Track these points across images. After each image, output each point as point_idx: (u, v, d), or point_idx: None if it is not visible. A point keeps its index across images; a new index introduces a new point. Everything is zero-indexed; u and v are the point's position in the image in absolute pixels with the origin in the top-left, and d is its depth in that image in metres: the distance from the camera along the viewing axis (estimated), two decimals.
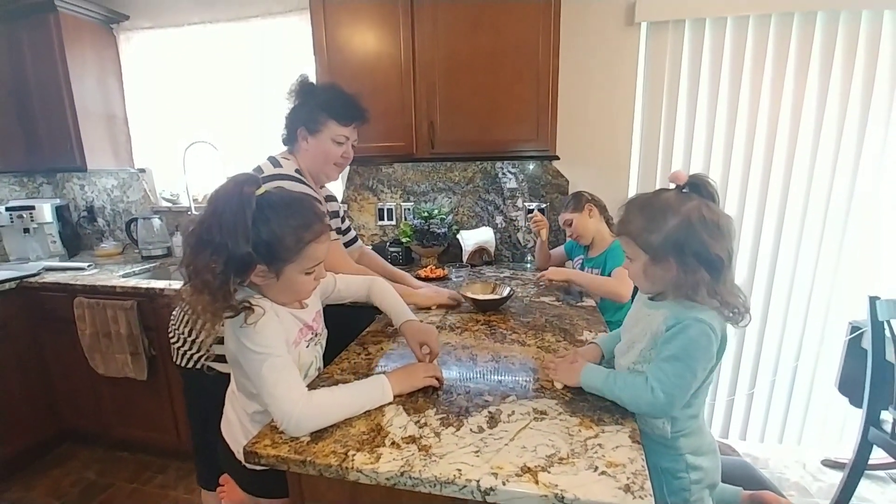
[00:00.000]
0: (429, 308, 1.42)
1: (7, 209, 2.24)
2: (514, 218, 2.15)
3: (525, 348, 1.11)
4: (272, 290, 0.85)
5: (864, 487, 1.76)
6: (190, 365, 1.19)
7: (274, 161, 1.21)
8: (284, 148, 1.29)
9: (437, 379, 0.92)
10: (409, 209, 2.21)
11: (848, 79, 1.74)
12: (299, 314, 0.92)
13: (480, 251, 2.08)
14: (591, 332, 1.22)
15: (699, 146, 1.90)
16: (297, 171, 1.20)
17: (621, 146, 1.98)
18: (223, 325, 0.80)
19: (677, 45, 1.84)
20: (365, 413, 0.82)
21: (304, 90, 1.23)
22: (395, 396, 0.86)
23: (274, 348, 0.79)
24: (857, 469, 1.68)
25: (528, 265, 2.07)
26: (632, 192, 2.02)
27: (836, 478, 1.85)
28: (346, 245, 1.52)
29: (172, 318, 1.23)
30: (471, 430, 0.77)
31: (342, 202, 2.30)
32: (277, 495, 0.89)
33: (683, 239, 0.76)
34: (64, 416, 2.18)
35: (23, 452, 2.06)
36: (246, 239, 0.75)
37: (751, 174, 1.88)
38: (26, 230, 2.29)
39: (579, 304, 1.48)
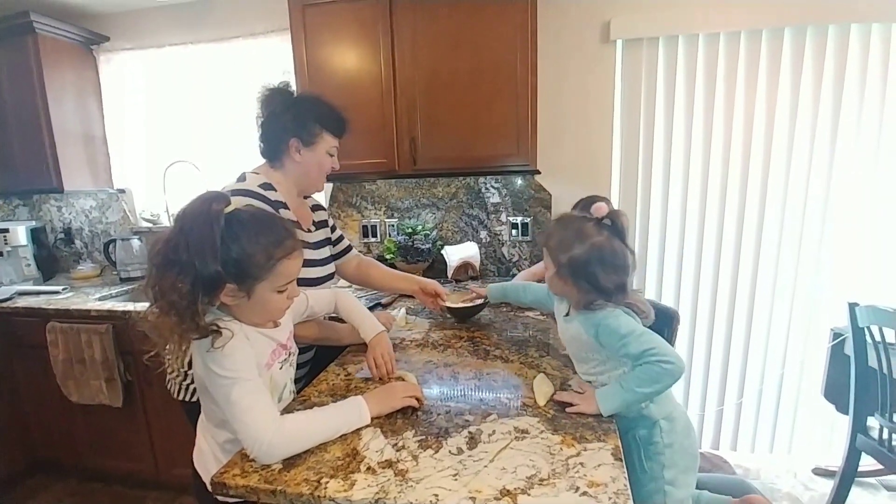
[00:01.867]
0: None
1: None
2: (498, 232, 2.15)
3: (508, 364, 1.10)
4: (243, 310, 0.83)
5: (856, 495, 1.75)
6: (195, 399, 1.14)
7: (241, 177, 1.17)
8: (262, 162, 1.24)
9: (417, 399, 0.89)
10: (393, 225, 2.20)
11: (817, 88, 1.79)
12: (272, 334, 0.89)
13: (465, 266, 2.07)
14: None
15: (677, 158, 1.94)
16: (264, 185, 1.15)
17: (601, 160, 2.01)
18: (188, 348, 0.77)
19: (652, 62, 1.89)
20: (341, 437, 0.79)
21: (285, 98, 1.19)
22: (372, 418, 0.84)
23: (243, 372, 0.76)
24: (847, 477, 1.68)
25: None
26: (615, 200, 2.05)
27: (828, 486, 1.84)
28: (340, 255, 1.46)
29: (167, 351, 1.17)
30: (450, 451, 0.74)
31: None
32: None
33: (581, 266, 0.87)
34: (36, 446, 2.09)
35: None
36: (214, 257, 0.73)
37: (728, 184, 1.91)
38: (0, 253, 2.22)
39: None
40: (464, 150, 1.78)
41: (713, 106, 1.87)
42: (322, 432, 0.78)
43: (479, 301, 1.41)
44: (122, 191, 2.48)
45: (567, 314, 0.97)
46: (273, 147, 1.20)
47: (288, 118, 1.17)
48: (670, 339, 1.42)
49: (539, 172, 1.87)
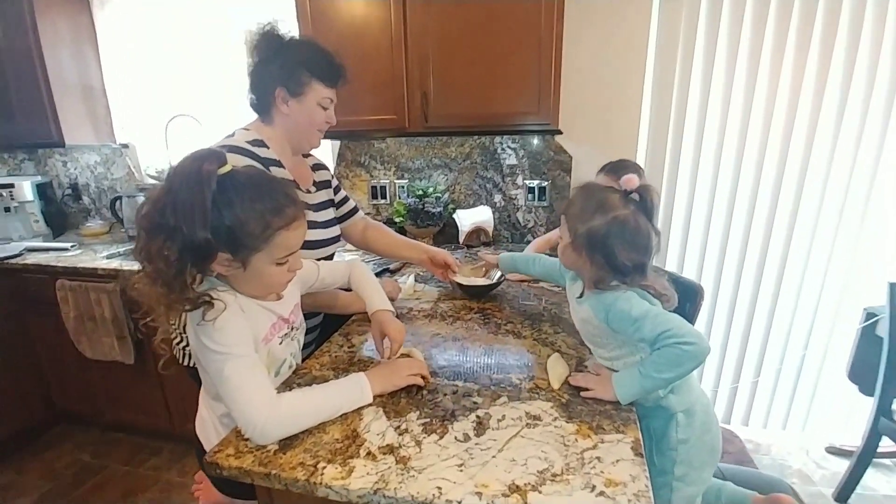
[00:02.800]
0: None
1: None
2: (513, 196, 2.04)
3: (521, 340, 1.04)
4: (240, 281, 0.77)
5: (869, 475, 1.71)
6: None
7: (230, 135, 1.07)
8: (255, 118, 1.13)
9: (423, 377, 0.84)
10: (402, 187, 2.11)
11: (876, 51, 1.58)
12: (273, 307, 0.83)
13: (478, 231, 1.98)
14: None
15: (713, 120, 1.77)
16: (254, 141, 1.05)
17: (629, 122, 1.85)
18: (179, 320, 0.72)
19: (693, 10, 1.68)
20: (341, 416, 0.75)
21: (272, 43, 1.06)
22: (375, 397, 0.79)
23: (236, 347, 0.71)
24: (864, 459, 1.63)
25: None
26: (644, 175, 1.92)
27: (840, 465, 1.80)
28: (344, 218, 1.36)
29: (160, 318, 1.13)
30: (455, 438, 0.69)
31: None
32: (254, 497, 0.83)
33: (598, 238, 0.79)
34: (56, 399, 2.15)
35: (14, 436, 2.04)
36: (203, 223, 0.66)
37: (767, 151, 1.75)
38: (7, 209, 2.20)
39: None
40: (480, 106, 1.65)
41: (758, 64, 1.67)
42: (321, 412, 0.74)
43: (493, 279, 1.33)
44: (126, 146, 2.40)
45: (580, 296, 0.89)
46: (261, 99, 1.09)
47: (275, 66, 1.04)
48: (692, 316, 1.34)
49: (560, 132, 1.73)
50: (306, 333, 1.23)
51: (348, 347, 1.02)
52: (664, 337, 0.75)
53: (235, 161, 0.95)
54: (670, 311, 0.81)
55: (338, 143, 2.14)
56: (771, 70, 1.67)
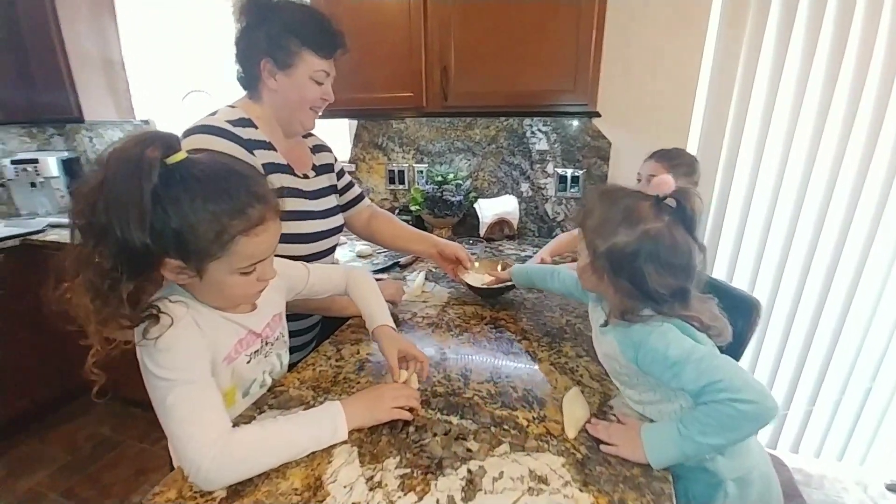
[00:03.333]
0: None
1: (13, 162, 2.17)
2: (542, 186, 1.85)
3: (535, 365, 0.88)
4: (199, 290, 0.65)
5: None
6: None
7: (212, 113, 0.93)
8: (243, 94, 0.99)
9: (412, 409, 0.71)
10: (421, 172, 1.95)
11: None
12: (242, 319, 0.71)
13: (501, 223, 1.81)
14: None
15: (783, 108, 1.47)
16: (238, 120, 0.91)
17: (680, 105, 1.59)
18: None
19: None
20: (308, 455, 0.63)
21: (259, 5, 0.91)
22: (351, 432, 0.67)
23: (184, 371, 0.60)
24: None
25: None
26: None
27: None
28: (348, 206, 1.23)
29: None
30: (438, 501, 0.56)
31: (349, 161, 2.07)
32: None
33: (624, 259, 0.64)
34: (74, 374, 2.18)
35: (38, 407, 2.10)
36: (140, 223, 0.53)
37: (848, 150, 1.43)
38: (32, 184, 2.22)
39: None
40: (506, 83, 1.46)
41: (844, 46, 1.36)
42: (281, 453, 0.62)
43: (504, 283, 1.17)
44: (147, 122, 2.37)
45: (604, 324, 0.73)
46: (247, 72, 0.95)
47: (261, 32, 0.90)
48: (746, 335, 1.13)
49: (598, 115, 1.52)
50: (303, 333, 1.13)
51: (336, 361, 0.90)
52: (713, 390, 0.58)
53: (210, 144, 0.83)
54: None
55: (355, 122, 2.00)
56: (860, 50, 1.36)
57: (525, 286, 1.14)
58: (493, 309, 1.14)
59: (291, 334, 0.94)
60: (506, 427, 0.70)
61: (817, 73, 1.42)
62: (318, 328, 1.19)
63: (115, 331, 0.60)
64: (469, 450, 0.65)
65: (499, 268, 1.24)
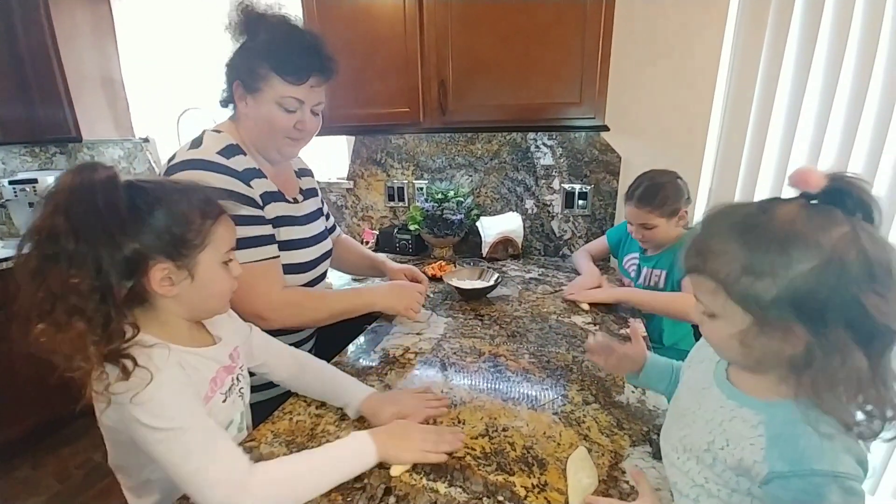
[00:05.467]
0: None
1: (10, 182, 2.15)
2: (548, 202, 1.76)
3: (536, 414, 0.78)
4: (184, 300, 0.62)
5: None
6: None
7: (196, 140, 0.87)
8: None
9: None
10: (421, 188, 1.88)
11: None
12: (210, 353, 0.67)
13: (505, 242, 1.72)
14: (635, 386, 0.86)
15: (807, 120, 1.34)
16: (228, 147, 0.86)
17: (695, 116, 1.49)
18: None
19: None
20: None
21: (244, 22, 0.85)
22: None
23: (182, 419, 0.55)
24: None
25: (565, 262, 1.70)
26: (706, 179, 1.55)
27: None
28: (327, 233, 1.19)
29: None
30: None
31: (347, 178, 2.00)
32: None
33: (827, 296, 0.41)
34: (75, 394, 2.14)
35: (35, 429, 2.05)
36: (122, 230, 0.54)
37: (880, 167, 1.30)
38: (31, 204, 2.20)
39: (624, 329, 1.11)
40: (508, 96, 1.38)
41: (876, 47, 1.23)
42: (308, 485, 0.59)
43: (489, 281, 1.31)
44: (146, 140, 2.34)
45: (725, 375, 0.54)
46: (227, 92, 0.90)
47: (238, 54, 0.85)
48: None
49: (607, 128, 1.42)
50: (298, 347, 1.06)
51: (316, 408, 0.81)
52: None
53: (207, 181, 0.76)
54: None
55: (352, 139, 1.93)
56: (890, 50, 1.24)
57: (648, 386, 0.81)
58: (493, 341, 1.05)
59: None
60: (500, 499, 0.60)
61: (845, 80, 1.30)
62: (313, 339, 1.12)
63: (102, 367, 0.54)
64: None
65: (478, 274, 1.37)
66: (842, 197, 0.43)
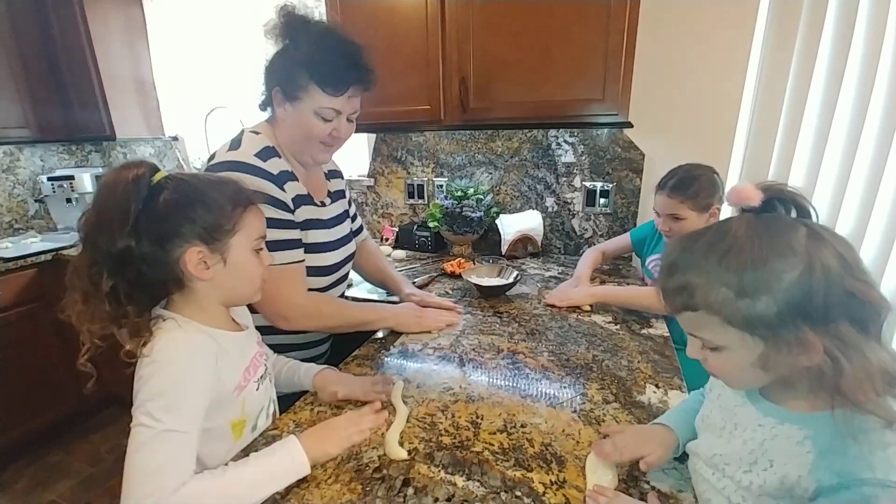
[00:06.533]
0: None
1: (49, 179, 2.25)
2: (568, 200, 1.74)
3: (555, 411, 0.78)
4: (217, 284, 0.66)
5: None
6: None
7: (235, 141, 0.90)
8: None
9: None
10: (441, 186, 1.88)
11: None
12: (243, 338, 0.72)
13: (524, 240, 1.71)
14: (657, 385, 0.85)
15: (842, 117, 1.29)
16: (264, 149, 0.88)
17: (723, 114, 1.45)
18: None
19: None
20: None
21: (287, 29, 0.87)
22: (341, 492, 0.59)
23: (178, 423, 0.56)
24: None
25: None
26: (734, 177, 1.49)
27: None
28: (356, 234, 1.22)
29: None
30: None
31: (368, 175, 2.02)
32: None
33: (824, 294, 0.41)
34: (105, 383, 2.23)
35: (67, 416, 2.14)
36: (122, 229, 0.58)
37: None
38: (68, 200, 2.30)
39: (646, 329, 1.09)
40: (529, 93, 1.37)
41: None
42: (236, 498, 0.57)
43: (508, 279, 1.31)
44: (176, 138, 2.42)
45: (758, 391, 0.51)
46: (266, 96, 0.93)
47: (279, 60, 0.88)
48: None
49: (630, 125, 1.40)
50: (310, 347, 1.08)
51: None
52: None
53: (247, 182, 0.77)
54: None
55: (373, 136, 1.95)
56: None
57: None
58: (512, 338, 1.05)
59: (299, 348, 1.02)
60: (518, 494, 0.60)
61: (882, 73, 1.24)
62: (328, 343, 1.14)
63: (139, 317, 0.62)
64: None
65: (497, 271, 1.37)
66: (777, 204, 0.46)
